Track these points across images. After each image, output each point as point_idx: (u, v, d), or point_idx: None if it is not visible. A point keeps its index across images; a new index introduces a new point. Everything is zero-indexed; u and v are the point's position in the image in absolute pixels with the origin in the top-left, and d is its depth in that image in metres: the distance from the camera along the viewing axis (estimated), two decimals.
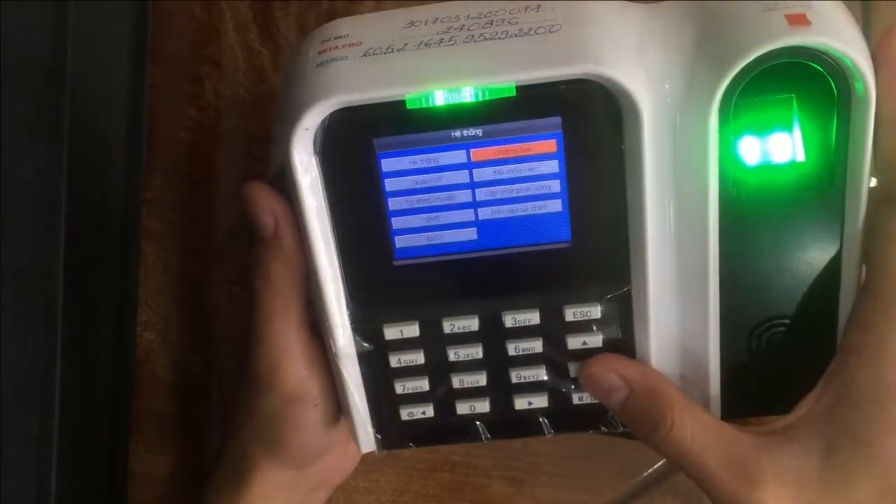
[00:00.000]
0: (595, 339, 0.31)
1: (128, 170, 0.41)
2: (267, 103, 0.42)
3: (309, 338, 0.32)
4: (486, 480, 0.41)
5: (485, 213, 0.30)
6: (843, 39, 0.26)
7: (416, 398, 0.32)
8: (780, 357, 0.30)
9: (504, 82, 0.27)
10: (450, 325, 0.31)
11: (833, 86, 0.27)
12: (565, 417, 0.33)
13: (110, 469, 0.42)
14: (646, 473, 0.41)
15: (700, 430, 0.29)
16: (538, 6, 0.28)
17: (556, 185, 0.29)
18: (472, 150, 0.29)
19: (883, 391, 0.27)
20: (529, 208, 0.30)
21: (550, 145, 0.28)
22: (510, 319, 0.31)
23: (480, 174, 0.29)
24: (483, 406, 0.33)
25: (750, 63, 0.26)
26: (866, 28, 0.39)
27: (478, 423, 0.33)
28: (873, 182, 0.28)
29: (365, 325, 0.31)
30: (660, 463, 0.40)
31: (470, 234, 0.30)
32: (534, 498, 0.41)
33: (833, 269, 0.29)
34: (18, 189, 0.37)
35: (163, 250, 0.42)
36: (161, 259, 0.42)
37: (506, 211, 0.30)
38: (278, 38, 0.41)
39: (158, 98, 0.42)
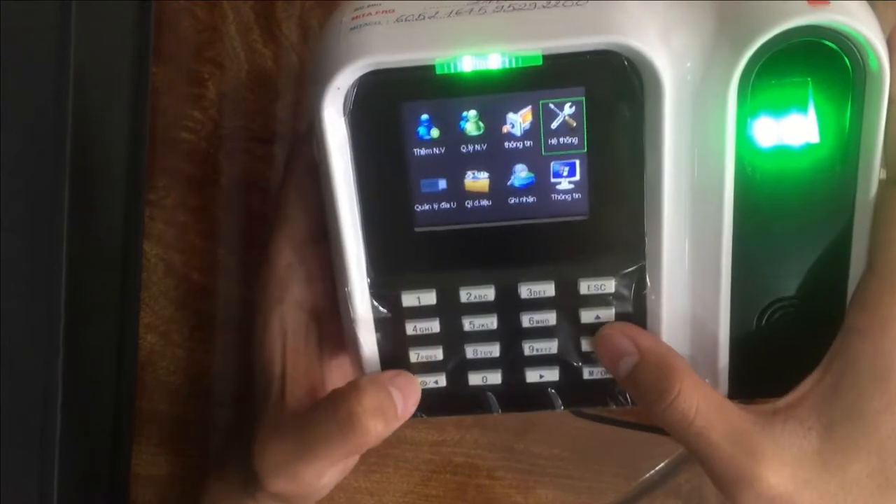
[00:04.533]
0: (608, 314, 0.32)
1: (130, 171, 0.41)
2: (269, 104, 0.42)
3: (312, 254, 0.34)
4: (489, 482, 0.41)
5: (506, 183, 0.30)
6: (861, 20, 0.27)
7: (429, 367, 0.33)
8: (788, 338, 0.31)
9: (532, 50, 0.28)
10: (466, 294, 0.32)
11: (848, 65, 0.27)
12: (575, 392, 0.33)
13: (112, 471, 0.42)
14: (648, 475, 0.41)
15: (705, 403, 0.29)
16: None
17: (576, 158, 0.30)
18: (496, 118, 0.29)
19: (883, 368, 0.28)
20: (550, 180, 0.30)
21: (573, 116, 0.29)
22: (526, 290, 0.32)
23: (504, 144, 0.30)
24: (495, 378, 0.33)
25: (770, 40, 0.27)
26: None
27: (489, 394, 0.33)
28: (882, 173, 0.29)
29: (383, 292, 0.32)
30: (662, 464, 0.41)
31: (490, 204, 0.30)
32: (536, 499, 0.41)
33: (844, 251, 0.30)
34: (20, 189, 0.36)
35: (165, 252, 0.42)
36: (163, 261, 0.42)
37: (527, 182, 0.30)
38: (281, 40, 0.41)
39: (161, 99, 0.42)
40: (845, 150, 0.28)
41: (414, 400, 0.32)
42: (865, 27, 0.27)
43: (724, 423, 0.29)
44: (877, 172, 0.29)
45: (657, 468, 0.41)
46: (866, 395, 0.28)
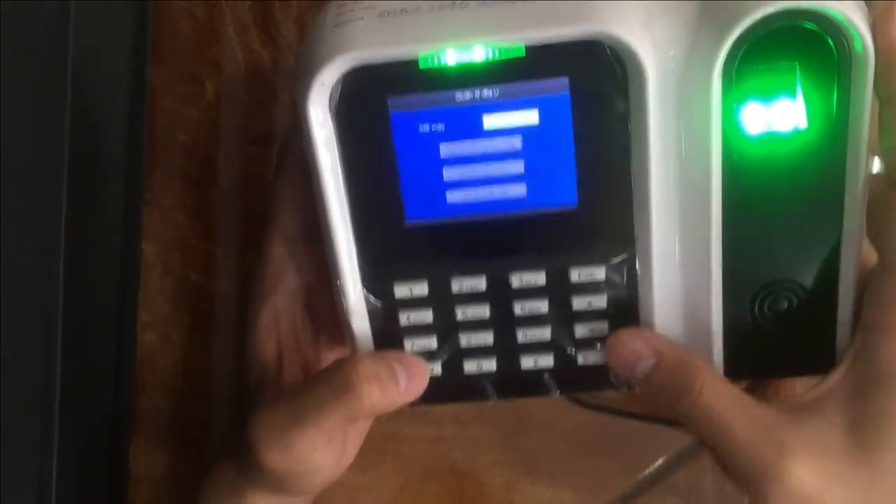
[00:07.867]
0: (599, 301, 0.32)
1: (128, 170, 0.41)
2: (267, 104, 0.42)
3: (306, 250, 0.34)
4: (486, 477, 0.41)
5: (494, 175, 0.30)
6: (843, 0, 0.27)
7: (424, 357, 0.33)
8: (781, 320, 0.31)
9: (514, 41, 0.28)
10: (458, 285, 0.32)
11: (832, 46, 0.27)
12: (570, 377, 0.33)
13: (111, 470, 0.42)
14: (646, 472, 0.41)
15: (727, 399, 0.29)
16: None
17: (564, 148, 0.30)
18: (481, 111, 0.29)
19: None
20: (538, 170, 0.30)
21: (558, 107, 0.29)
22: (517, 280, 0.32)
23: (490, 135, 0.30)
24: (490, 365, 0.33)
25: (750, 26, 0.27)
26: None
27: (485, 381, 0.34)
28: (876, 167, 0.29)
29: (375, 283, 0.32)
30: (660, 461, 0.41)
31: (479, 195, 0.31)
32: (533, 496, 0.41)
33: (834, 232, 0.30)
34: (19, 189, 0.37)
35: (163, 251, 0.42)
36: (161, 259, 0.42)
37: (515, 173, 0.30)
38: (279, 40, 0.41)
39: (159, 99, 0.42)
40: (833, 134, 0.28)
41: (420, 381, 0.32)
42: (846, 8, 0.26)
43: (748, 418, 0.28)
44: (865, 155, 0.29)
45: (656, 464, 0.41)
46: (892, 394, 0.28)
